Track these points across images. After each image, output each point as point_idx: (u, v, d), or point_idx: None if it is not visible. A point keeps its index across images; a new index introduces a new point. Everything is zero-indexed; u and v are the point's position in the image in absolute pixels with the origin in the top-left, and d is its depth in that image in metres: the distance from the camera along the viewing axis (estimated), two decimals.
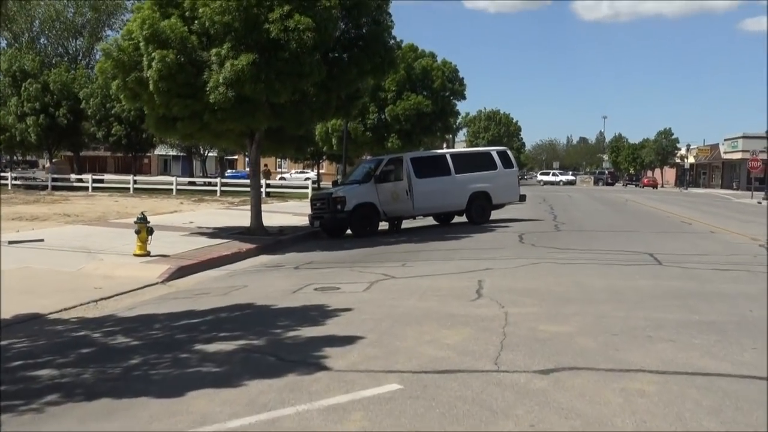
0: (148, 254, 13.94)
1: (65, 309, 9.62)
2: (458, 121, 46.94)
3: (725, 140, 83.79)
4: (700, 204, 37.73)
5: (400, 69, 31.53)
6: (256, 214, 18.59)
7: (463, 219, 21.56)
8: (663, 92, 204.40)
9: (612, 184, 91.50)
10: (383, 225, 20.17)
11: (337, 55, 17.52)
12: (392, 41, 18.27)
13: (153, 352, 6.59)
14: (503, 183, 21.50)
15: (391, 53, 18.12)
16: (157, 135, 18.96)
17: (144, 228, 13.96)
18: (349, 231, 19.53)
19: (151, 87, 16.03)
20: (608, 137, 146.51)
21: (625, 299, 8.58)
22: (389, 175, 19.73)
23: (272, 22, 15.48)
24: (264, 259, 15.19)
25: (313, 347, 6.44)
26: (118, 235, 17.07)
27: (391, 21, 18.30)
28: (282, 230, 19.24)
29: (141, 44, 16.09)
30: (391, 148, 33.09)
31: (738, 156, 78.02)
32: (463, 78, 35.68)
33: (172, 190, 42.49)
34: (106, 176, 52.24)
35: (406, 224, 21.03)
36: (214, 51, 15.77)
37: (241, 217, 23.07)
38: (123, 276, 12.31)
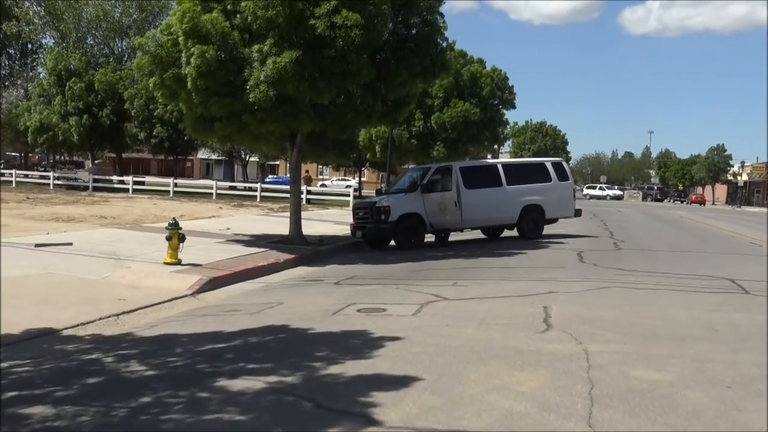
0: (179, 263, 13.01)
1: (81, 324, 8.67)
2: (506, 130, 45.51)
3: None
4: (759, 223, 35.74)
5: (449, 74, 30.38)
6: (296, 222, 17.58)
7: (513, 233, 20.33)
8: (711, 108, 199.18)
9: (661, 200, 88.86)
10: (428, 237, 19.01)
11: (385, 56, 16.44)
12: (444, 43, 17.13)
13: (168, 388, 5.54)
14: (557, 196, 20.19)
15: (443, 55, 16.98)
16: (194, 136, 18.08)
17: (176, 234, 13.03)
18: (392, 242, 18.45)
19: (189, 84, 15.17)
20: (654, 152, 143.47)
21: (723, 338, 7.27)
22: (437, 184, 18.57)
23: (318, 18, 14.50)
24: (302, 271, 14.17)
25: (357, 390, 5.31)
26: (151, 240, 16.19)
27: (444, 22, 17.20)
28: (322, 240, 18.22)
29: (180, 39, 15.27)
30: (437, 157, 31.95)
31: None
32: (513, 86, 34.40)
33: (212, 194, 41.91)
34: (147, 178, 52.02)
35: (452, 237, 19.82)
36: (255, 47, 14.83)
37: (280, 225, 22.14)
38: (150, 286, 11.37)
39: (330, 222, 25.76)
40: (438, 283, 11.37)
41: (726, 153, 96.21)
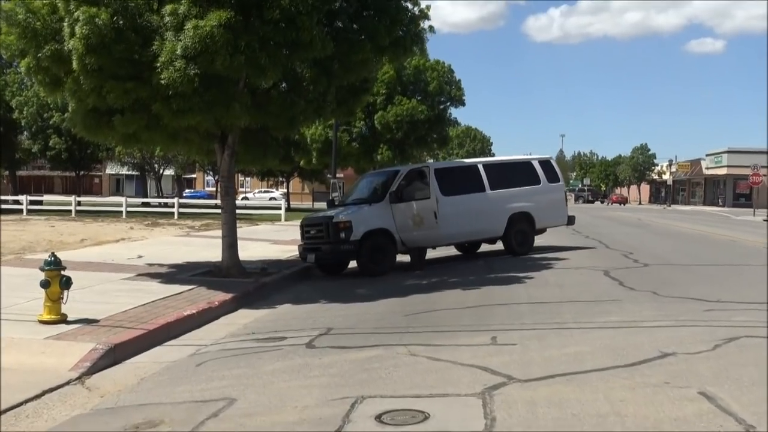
0: (63, 320, 8.64)
1: None
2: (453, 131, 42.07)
3: (707, 155, 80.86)
4: (715, 222, 33.73)
5: (391, 68, 26.65)
6: (230, 246, 13.29)
7: (492, 247, 16.79)
8: (617, 110, 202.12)
9: (592, 202, 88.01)
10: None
11: (342, 25, 12.48)
12: (416, 8, 13.25)
13: None
14: (548, 201, 16.70)
15: (415, 25, 13.13)
16: (85, 136, 13.52)
17: (56, 278, 8.65)
18: (350, 266, 14.55)
19: (74, 64, 10.80)
20: (567, 155, 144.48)
21: None
22: (409, 191, 14.66)
23: None
24: (245, 318, 10.02)
25: None
26: (30, 280, 11.51)
27: None
28: (264, 268, 13.99)
29: (59, 1, 10.90)
30: (381, 161, 28.14)
31: (723, 171, 75.01)
32: (460, 81, 30.83)
33: (121, 212, 36.78)
34: (47, 197, 46.13)
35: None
36: (168, 8, 10.59)
37: (206, 247, 17.88)
38: (9, 367, 7.02)
39: (265, 241, 21.56)
40: (467, 340, 7.47)
41: (650, 152, 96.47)
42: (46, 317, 8.60)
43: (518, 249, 16.07)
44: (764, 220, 38.82)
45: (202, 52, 10.23)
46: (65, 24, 10.91)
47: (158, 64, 10.50)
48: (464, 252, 17.52)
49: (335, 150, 23.39)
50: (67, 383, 6.74)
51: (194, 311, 9.74)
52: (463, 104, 30.41)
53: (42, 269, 8.69)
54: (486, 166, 16.27)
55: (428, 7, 13.33)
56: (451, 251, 17.55)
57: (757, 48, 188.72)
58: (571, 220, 17.39)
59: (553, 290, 10.79)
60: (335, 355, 7.16)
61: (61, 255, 16.28)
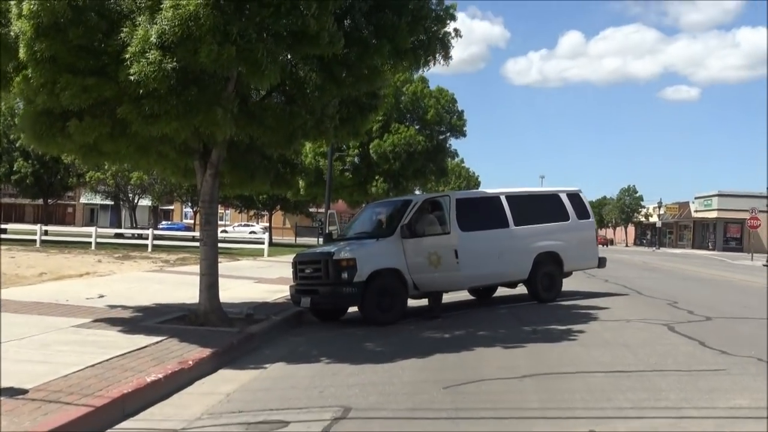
0: None
1: None
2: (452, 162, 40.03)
3: (696, 198, 79.82)
4: (718, 266, 31.98)
5: (389, 93, 24.58)
6: (210, 286, 10.83)
7: (509, 292, 14.68)
8: (598, 154, 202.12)
9: None
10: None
11: (353, 23, 10.28)
12: (440, 8, 11.12)
13: None
14: (578, 240, 14.56)
15: (441, 25, 11.00)
16: (36, 146, 11.04)
17: None
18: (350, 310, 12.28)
19: (21, 52, 8.53)
20: None
21: None
22: (423, 225, 12.40)
23: None
24: (229, 383, 7.64)
25: None
26: None
27: None
28: (251, 313, 11.55)
29: None
30: (376, 194, 25.90)
31: (713, 215, 73.77)
32: (462, 111, 28.80)
33: (91, 243, 34.10)
34: (12, 225, 43.25)
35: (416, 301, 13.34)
36: None
37: (181, 286, 15.55)
38: None
39: (248, 279, 19.15)
40: None
41: (637, 194, 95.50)
42: None
43: (544, 295, 13.85)
44: (764, 265, 37.20)
45: (183, 39, 8.00)
46: (12, 2, 8.68)
47: (127, 56, 8.23)
48: (478, 297, 15.21)
49: (330, 179, 20.99)
50: None
51: (161, 375, 7.32)
52: (464, 135, 28.50)
53: None
54: (509, 197, 14.03)
55: (454, 6, 11.23)
56: (461, 296, 15.20)
57: (732, 97, 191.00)
58: (602, 263, 15.20)
59: (621, 352, 8.49)
60: None
61: (11, 292, 13.97)
